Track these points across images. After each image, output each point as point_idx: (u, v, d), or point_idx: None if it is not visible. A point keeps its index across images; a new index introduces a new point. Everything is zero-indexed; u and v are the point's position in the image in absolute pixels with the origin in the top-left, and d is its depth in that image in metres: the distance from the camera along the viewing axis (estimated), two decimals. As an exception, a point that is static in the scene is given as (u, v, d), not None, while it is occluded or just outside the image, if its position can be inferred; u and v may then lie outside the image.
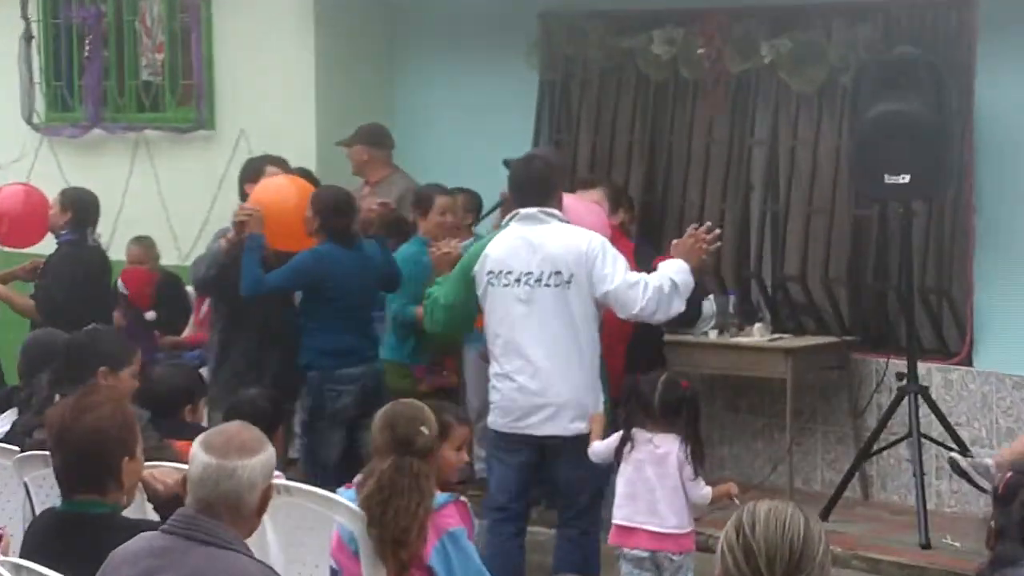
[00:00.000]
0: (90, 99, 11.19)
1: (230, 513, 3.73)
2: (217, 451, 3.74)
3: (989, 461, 6.92)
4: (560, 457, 6.22)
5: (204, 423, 6.32)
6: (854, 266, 8.60)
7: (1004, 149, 8.08)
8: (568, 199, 6.59)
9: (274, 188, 7.73)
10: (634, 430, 5.89)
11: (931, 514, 7.71)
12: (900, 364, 7.98)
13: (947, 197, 8.18)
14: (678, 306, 6.12)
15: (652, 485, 5.85)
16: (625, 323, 6.55)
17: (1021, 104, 8.02)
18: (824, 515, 7.79)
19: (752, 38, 8.79)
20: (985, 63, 8.11)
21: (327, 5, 10.07)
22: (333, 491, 5.06)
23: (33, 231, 9.20)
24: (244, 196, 7.94)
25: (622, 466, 5.92)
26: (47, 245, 9.07)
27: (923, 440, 7.75)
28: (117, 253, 9.74)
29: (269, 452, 3.84)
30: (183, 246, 10.53)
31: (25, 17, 11.42)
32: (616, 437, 5.97)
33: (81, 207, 8.59)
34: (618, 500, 5.93)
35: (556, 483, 6.34)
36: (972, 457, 7.22)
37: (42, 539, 4.20)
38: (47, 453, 4.40)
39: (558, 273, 6.13)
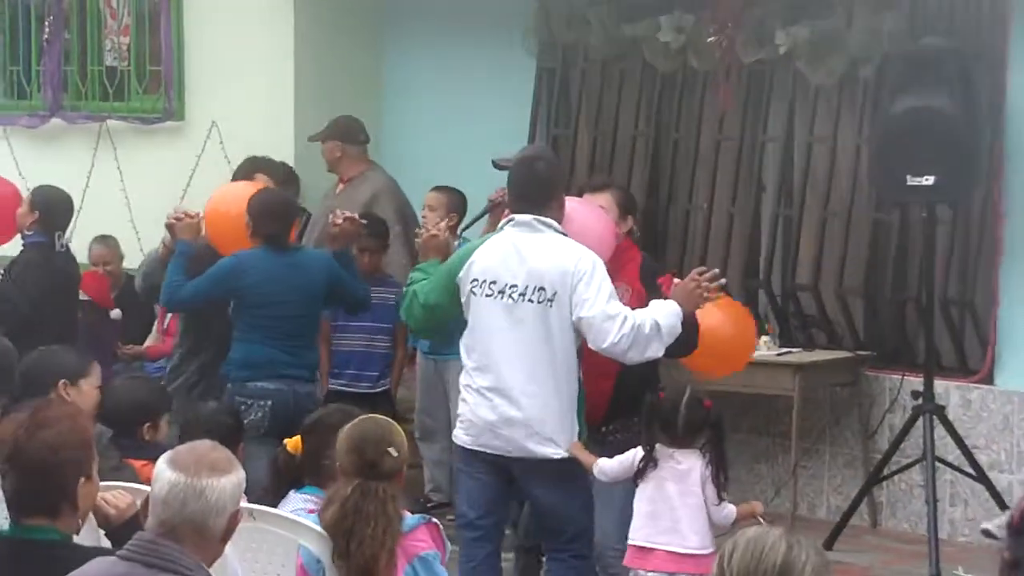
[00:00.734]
0: (49, 86, 11.24)
1: (194, 537, 3.80)
2: (186, 469, 3.80)
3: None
4: (533, 483, 6.31)
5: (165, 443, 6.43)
6: (871, 275, 8.68)
7: (1037, 150, 8.18)
8: (575, 203, 6.64)
9: (221, 194, 7.99)
10: (656, 447, 6.04)
11: (943, 544, 7.78)
12: (916, 382, 8.07)
13: (973, 201, 8.27)
14: (655, 349, 6.14)
15: (674, 504, 6.00)
16: None
17: (1056, 101, 8.11)
18: (829, 544, 7.86)
19: (767, 26, 8.86)
20: (1018, 55, 8.18)
21: (308, -13, 10.17)
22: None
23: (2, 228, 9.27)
24: None
25: (642, 485, 6.05)
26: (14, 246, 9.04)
27: (938, 464, 7.81)
28: (77, 254, 9.78)
29: (240, 474, 3.91)
30: (148, 247, 10.58)
31: (-22, -4, 11.49)
32: (632, 454, 6.09)
33: (48, 208, 8.52)
34: (636, 520, 6.06)
35: (536, 512, 6.45)
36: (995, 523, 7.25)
37: (-12, 566, 4.20)
38: (-2, 474, 4.39)
39: (542, 289, 6.19)
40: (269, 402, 7.43)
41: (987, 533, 7.14)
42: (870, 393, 8.59)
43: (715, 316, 6.68)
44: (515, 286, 6.23)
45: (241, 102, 10.31)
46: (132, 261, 10.15)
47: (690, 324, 6.33)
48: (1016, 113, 8.23)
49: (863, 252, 8.69)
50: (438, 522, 5.16)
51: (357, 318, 8.42)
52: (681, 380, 6.36)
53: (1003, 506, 7.46)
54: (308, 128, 9.75)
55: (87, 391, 5.94)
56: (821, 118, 8.89)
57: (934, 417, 7.87)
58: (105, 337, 9.19)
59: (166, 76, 10.72)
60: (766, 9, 8.89)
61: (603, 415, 6.49)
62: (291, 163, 9.72)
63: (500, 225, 6.57)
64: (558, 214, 6.36)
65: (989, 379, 8.34)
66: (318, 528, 5.04)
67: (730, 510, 6.04)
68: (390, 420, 5.17)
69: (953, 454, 7.94)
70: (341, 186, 9.41)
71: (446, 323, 6.56)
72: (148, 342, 9.43)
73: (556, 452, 6.23)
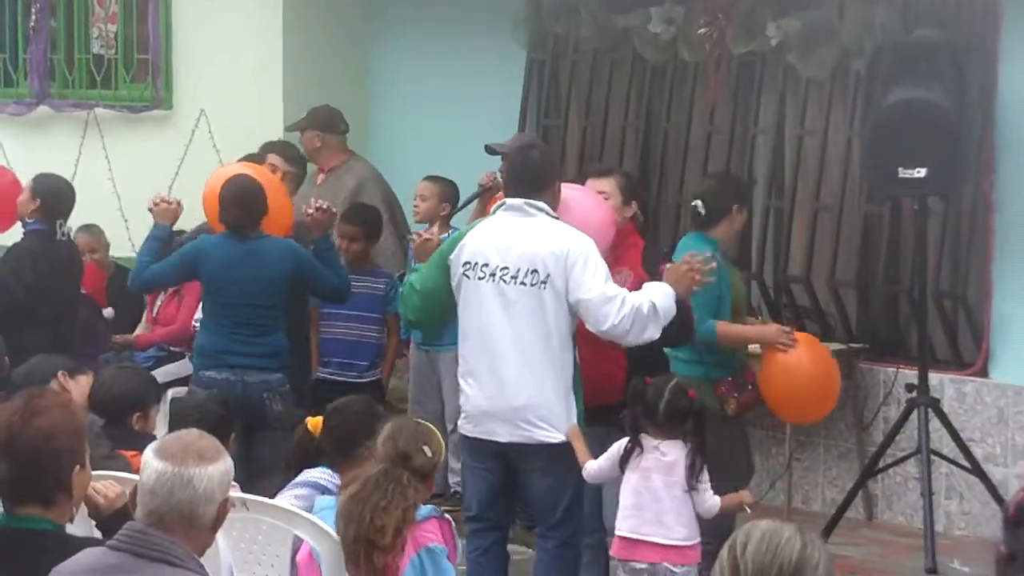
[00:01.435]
0: (36, 73, 11.23)
1: (183, 527, 3.79)
2: (173, 458, 3.79)
3: None
4: (528, 466, 6.33)
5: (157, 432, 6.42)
6: (863, 268, 8.68)
7: (1029, 143, 8.17)
8: (574, 189, 6.69)
9: (218, 176, 8.00)
10: (641, 436, 6.05)
11: (939, 537, 7.79)
12: (910, 374, 8.06)
13: (965, 193, 8.26)
14: (652, 332, 6.18)
15: (659, 495, 6.01)
16: None
17: (1048, 94, 8.11)
18: (824, 536, 7.86)
19: (758, 17, 8.86)
20: (1010, 48, 8.17)
21: (297, -26, 10.15)
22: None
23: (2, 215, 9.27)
24: None
25: (627, 475, 6.07)
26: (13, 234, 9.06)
27: (933, 457, 7.82)
28: (64, 243, 9.79)
29: (228, 462, 3.90)
30: (136, 237, 10.55)
31: (-36, -17, 11.48)
32: (616, 449, 6.10)
33: (51, 196, 8.55)
34: (622, 511, 6.07)
35: (527, 495, 6.45)
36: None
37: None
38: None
39: (535, 272, 6.22)
40: (214, 392, 7.35)
41: None
42: (864, 386, 8.58)
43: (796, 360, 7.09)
44: (506, 268, 6.27)
45: (229, 91, 10.31)
46: (120, 250, 10.14)
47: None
48: (1008, 105, 8.22)
49: (855, 244, 8.70)
50: (451, 520, 5.18)
51: (345, 307, 8.39)
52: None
53: (999, 500, 7.46)
54: (296, 117, 9.73)
55: (83, 384, 6.03)
56: (812, 110, 8.89)
57: (929, 410, 7.87)
58: (98, 333, 9.16)
59: (154, 64, 10.71)
60: (757, 0, 8.89)
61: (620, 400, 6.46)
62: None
63: (492, 209, 6.59)
64: (553, 202, 6.38)
65: (984, 372, 8.34)
66: (313, 518, 5.04)
67: (714, 501, 6.06)
68: (433, 427, 5.26)
69: (948, 447, 7.94)
70: (322, 176, 9.40)
71: (442, 312, 6.55)
72: (138, 331, 9.40)
73: (552, 436, 6.26)
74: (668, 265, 6.49)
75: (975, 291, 8.40)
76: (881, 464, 8.13)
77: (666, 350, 6.90)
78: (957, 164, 7.81)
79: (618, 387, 6.44)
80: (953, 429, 7.94)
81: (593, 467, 6.17)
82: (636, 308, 6.13)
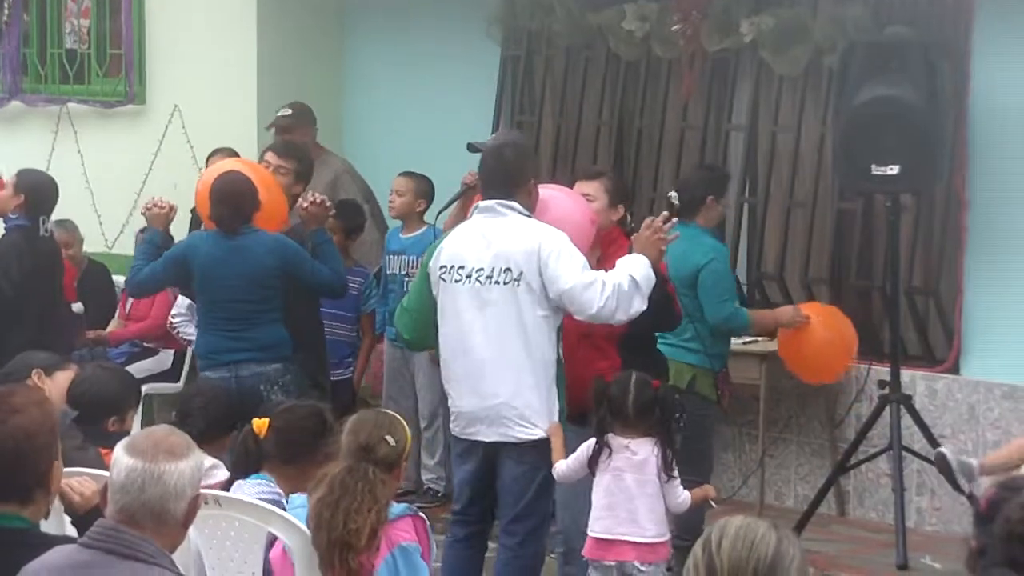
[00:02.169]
0: (8, 68, 11.20)
1: (154, 523, 3.76)
2: (143, 454, 3.77)
3: (975, 463, 7.07)
4: (506, 455, 6.35)
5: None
6: (836, 264, 8.70)
7: (1000, 140, 8.19)
8: (553, 189, 6.71)
9: (210, 173, 7.91)
10: (608, 436, 6.05)
11: (910, 533, 7.84)
12: (882, 371, 8.09)
13: (938, 190, 8.28)
14: (639, 304, 6.22)
15: (632, 494, 6.02)
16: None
17: (1020, 91, 8.12)
18: (796, 532, 7.87)
19: (731, 14, 8.88)
20: (982, 46, 8.21)
21: (271, -30, 10.13)
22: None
23: None
24: None
25: (599, 476, 6.07)
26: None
27: (904, 453, 7.85)
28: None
29: (199, 458, 3.88)
30: (109, 233, 10.56)
31: (-65, -23, 11.45)
32: (584, 450, 6.11)
33: (35, 192, 8.46)
34: (595, 512, 6.08)
35: (498, 483, 6.46)
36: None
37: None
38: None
39: (508, 270, 6.25)
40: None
41: (940, 457, 7.17)
42: (836, 382, 8.59)
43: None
44: (481, 269, 6.30)
45: (203, 86, 10.29)
46: (94, 245, 10.11)
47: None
48: (979, 102, 8.25)
49: (828, 241, 8.72)
50: (425, 517, 5.16)
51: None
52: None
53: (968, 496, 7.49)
54: (270, 114, 9.72)
55: (62, 381, 5.97)
56: (785, 107, 8.91)
57: (901, 407, 7.90)
58: (68, 327, 9.13)
59: (127, 60, 10.68)
60: (731, -2, 8.92)
61: None
62: (253, 149, 9.64)
63: (470, 212, 6.61)
64: (527, 200, 6.39)
65: (955, 369, 8.37)
66: (286, 515, 5.03)
67: (685, 497, 6.09)
68: (396, 415, 5.22)
69: (920, 443, 7.96)
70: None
71: (430, 325, 6.54)
72: (111, 327, 9.38)
73: (532, 433, 6.28)
74: (633, 236, 6.52)
75: (947, 288, 8.43)
76: (853, 460, 8.16)
77: (674, 342, 7.07)
78: (929, 161, 7.83)
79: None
80: (925, 426, 7.96)
81: (562, 467, 6.17)
82: (617, 286, 6.17)
